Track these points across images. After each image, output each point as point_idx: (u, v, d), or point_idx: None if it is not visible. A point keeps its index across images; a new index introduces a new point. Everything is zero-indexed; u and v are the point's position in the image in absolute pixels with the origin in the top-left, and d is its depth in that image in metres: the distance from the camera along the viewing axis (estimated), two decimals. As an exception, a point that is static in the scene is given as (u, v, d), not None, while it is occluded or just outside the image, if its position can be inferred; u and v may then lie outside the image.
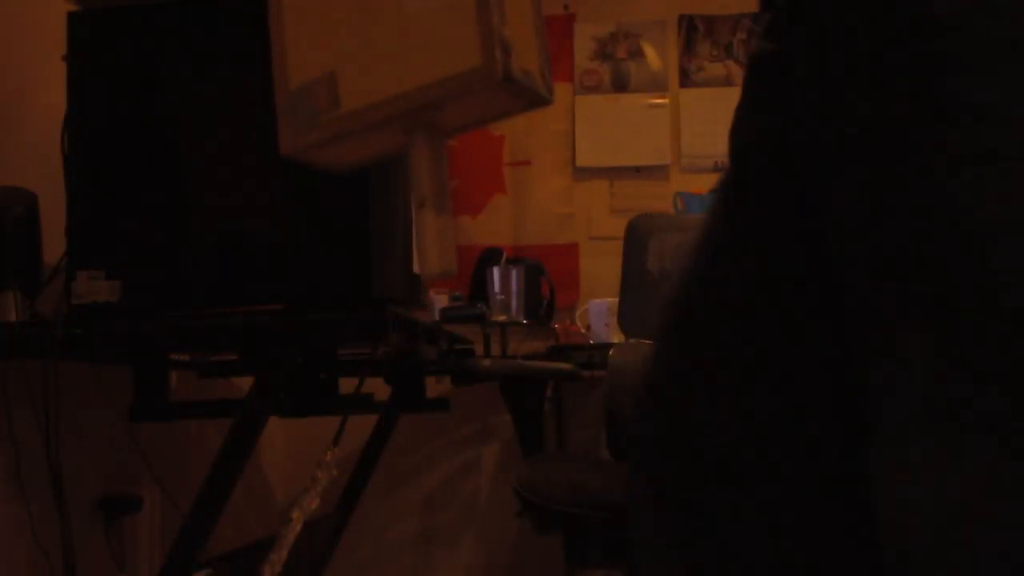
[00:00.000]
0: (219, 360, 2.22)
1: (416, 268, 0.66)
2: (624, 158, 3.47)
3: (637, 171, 3.47)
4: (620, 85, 3.50)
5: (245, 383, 1.78)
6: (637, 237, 2.54)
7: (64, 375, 1.65)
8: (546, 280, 3.02)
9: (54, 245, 1.80)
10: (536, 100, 0.70)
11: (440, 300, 2.93)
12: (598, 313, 3.02)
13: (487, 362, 2.61)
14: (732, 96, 1.13)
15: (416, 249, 0.74)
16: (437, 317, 2.85)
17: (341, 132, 0.69)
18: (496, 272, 2.84)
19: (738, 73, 3.45)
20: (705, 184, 3.42)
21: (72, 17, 1.71)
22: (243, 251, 1.62)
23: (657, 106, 3.48)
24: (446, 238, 0.71)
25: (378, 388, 2.29)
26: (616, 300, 2.60)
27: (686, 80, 3.49)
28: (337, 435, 1.59)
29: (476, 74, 0.63)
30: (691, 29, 3.50)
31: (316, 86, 0.67)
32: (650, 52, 3.51)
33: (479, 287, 2.97)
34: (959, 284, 0.62)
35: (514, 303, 2.80)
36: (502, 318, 2.76)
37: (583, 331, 3.15)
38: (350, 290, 1.56)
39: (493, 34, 0.64)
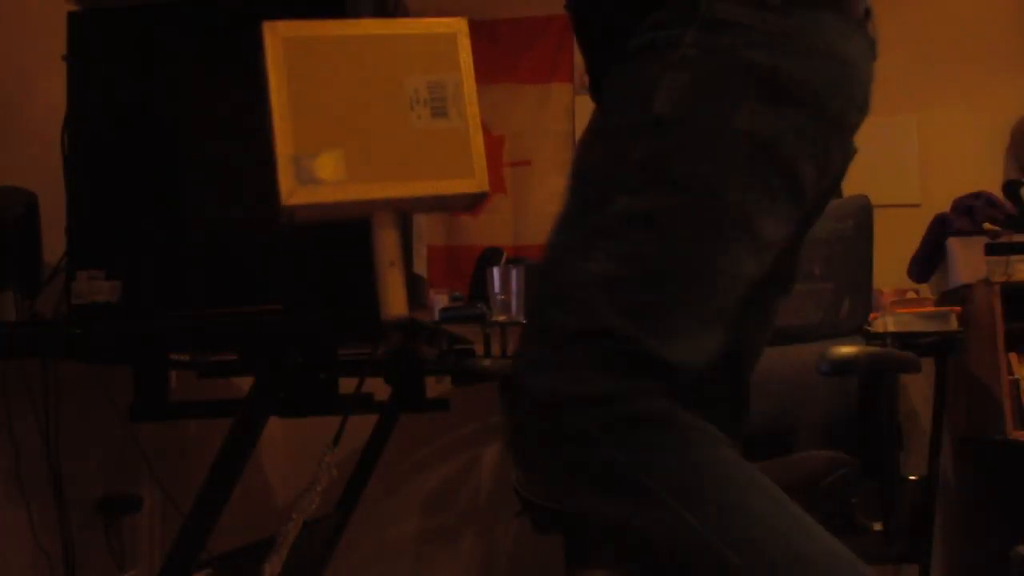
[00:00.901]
0: (219, 360, 2.22)
1: (381, 312, 0.93)
2: (624, 158, 3.47)
3: (637, 171, 3.46)
4: (620, 85, 3.50)
5: (245, 383, 1.78)
6: (637, 237, 2.53)
7: (64, 375, 1.65)
8: (546, 280, 3.01)
9: (54, 245, 1.80)
10: (480, 199, 0.95)
11: (440, 300, 2.92)
12: (598, 313, 3.02)
13: (487, 362, 2.61)
14: (732, 96, 1.14)
15: (382, 297, 0.93)
16: (437, 317, 2.84)
17: (344, 201, 0.87)
18: (496, 272, 2.83)
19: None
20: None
21: (72, 17, 1.70)
22: (243, 251, 1.62)
23: (657, 106, 3.48)
24: (404, 290, 0.92)
25: (378, 388, 2.29)
26: (616, 300, 2.59)
27: (686, 80, 3.49)
28: (337, 435, 1.59)
29: (468, 184, 0.89)
30: (691, 29, 3.50)
31: (325, 159, 0.84)
32: (650, 52, 3.51)
33: (479, 287, 2.97)
34: None
35: (514, 303, 2.79)
36: (502, 318, 2.75)
37: (583, 331, 3.14)
38: (350, 290, 1.56)
39: (481, 156, 0.90)
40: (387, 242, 0.88)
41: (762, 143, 0.98)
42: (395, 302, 0.90)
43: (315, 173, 0.84)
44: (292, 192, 0.85)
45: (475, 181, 0.87)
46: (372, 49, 0.88)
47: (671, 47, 0.98)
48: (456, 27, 0.90)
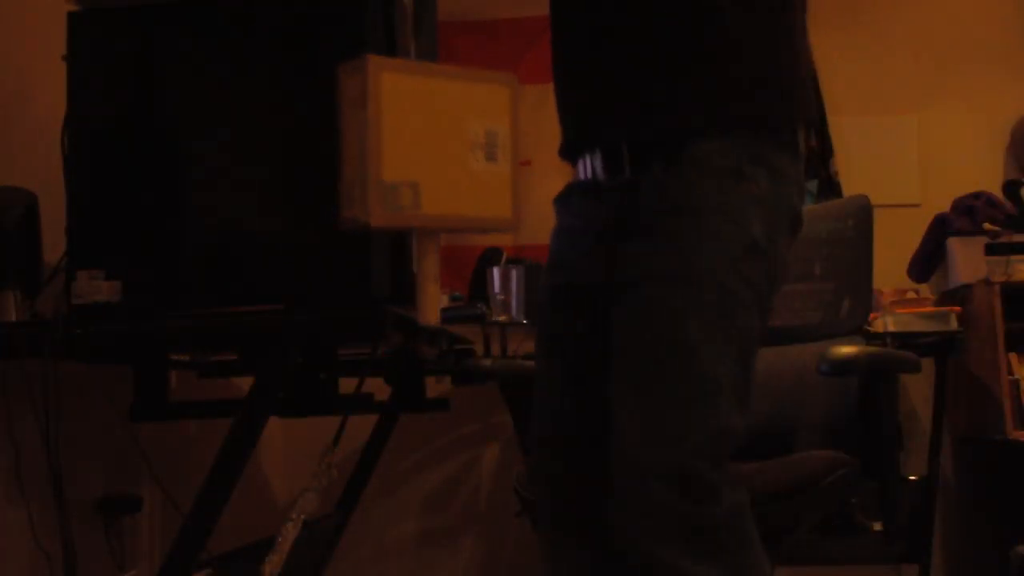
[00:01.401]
0: (219, 360, 2.22)
1: (419, 318, 1.10)
2: (624, 158, 3.46)
3: (637, 171, 3.46)
4: (620, 85, 3.49)
5: (245, 383, 1.78)
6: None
7: (64, 375, 1.65)
8: (546, 280, 3.01)
9: (54, 245, 1.80)
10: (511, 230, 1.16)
11: (440, 300, 2.92)
12: (598, 313, 3.02)
13: (487, 362, 2.61)
14: (732, 96, 1.14)
15: (420, 306, 1.08)
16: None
17: (417, 225, 1.03)
18: (496, 272, 2.83)
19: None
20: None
21: (72, 17, 1.70)
22: (243, 251, 1.62)
23: (657, 106, 3.48)
24: (439, 302, 1.09)
25: (378, 388, 2.29)
26: (616, 300, 2.59)
27: (686, 80, 3.48)
28: (337, 435, 1.59)
29: (505, 222, 1.07)
30: (691, 29, 3.49)
31: (404, 187, 0.98)
32: (650, 52, 3.51)
33: (479, 287, 2.97)
34: None
35: (514, 303, 2.79)
36: (502, 318, 2.76)
37: (583, 331, 3.14)
38: (350, 290, 1.56)
39: (518, 195, 1.05)
40: (431, 261, 1.04)
41: (785, 267, 1.26)
42: (431, 312, 1.05)
43: (398, 200, 0.97)
44: (378, 215, 0.98)
45: (510, 219, 1.06)
46: (446, 93, 1.02)
47: (751, 181, 1.20)
48: (509, 82, 1.06)
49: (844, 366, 1.69)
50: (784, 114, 1.25)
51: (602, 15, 1.27)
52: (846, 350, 1.69)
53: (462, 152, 1.01)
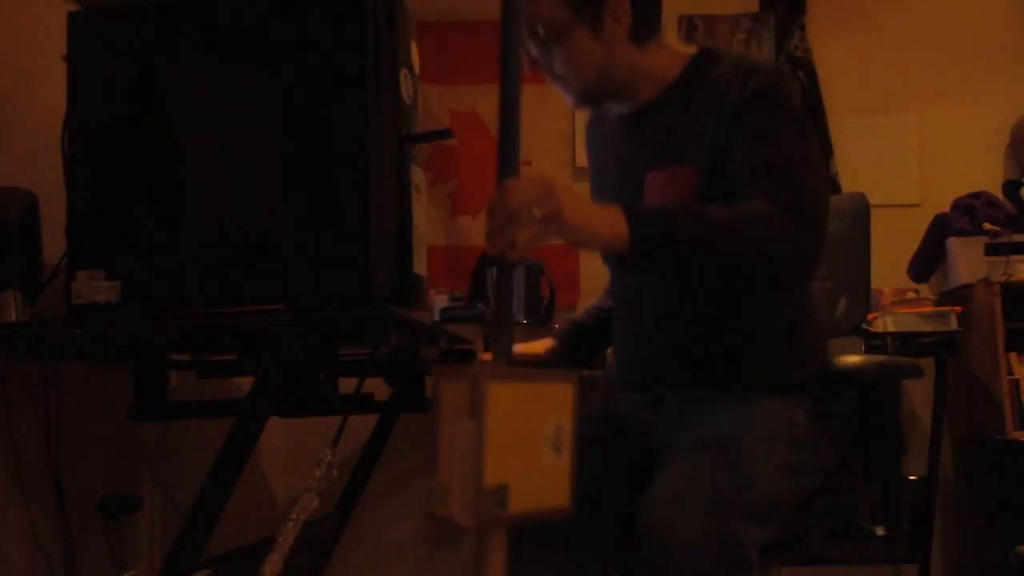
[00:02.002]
0: (219, 360, 2.21)
1: None
2: (624, 158, 3.46)
3: (637, 171, 3.46)
4: (620, 85, 3.49)
5: (245, 383, 1.78)
6: (637, 237, 2.52)
7: (64, 375, 1.65)
8: (546, 280, 3.01)
9: (54, 245, 1.80)
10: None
11: (440, 300, 2.92)
12: (598, 313, 3.02)
13: (487, 362, 2.60)
14: (732, 96, 1.14)
15: None
16: (437, 317, 2.85)
17: (505, 524, 1.08)
18: (496, 272, 2.83)
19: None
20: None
21: (72, 17, 1.70)
22: (243, 251, 1.62)
23: (657, 106, 3.47)
24: None
25: (378, 388, 2.29)
26: (616, 300, 2.58)
27: (686, 80, 3.48)
28: (337, 435, 1.59)
29: (564, 511, 1.11)
30: (691, 29, 3.50)
31: (500, 492, 1.04)
32: (650, 52, 3.51)
33: (479, 287, 2.97)
34: None
35: (514, 303, 2.79)
36: (502, 319, 2.75)
37: (583, 331, 3.14)
38: (350, 290, 1.56)
39: (573, 480, 1.11)
40: (499, 562, 1.08)
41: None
42: None
43: (495, 505, 1.02)
44: (478, 521, 1.03)
45: (568, 508, 1.11)
46: (530, 395, 1.09)
47: (799, 399, 1.57)
48: (573, 379, 1.14)
49: (850, 376, 1.67)
50: (824, 362, 1.65)
51: (681, 300, 1.61)
52: (852, 360, 1.68)
53: (538, 449, 1.09)
